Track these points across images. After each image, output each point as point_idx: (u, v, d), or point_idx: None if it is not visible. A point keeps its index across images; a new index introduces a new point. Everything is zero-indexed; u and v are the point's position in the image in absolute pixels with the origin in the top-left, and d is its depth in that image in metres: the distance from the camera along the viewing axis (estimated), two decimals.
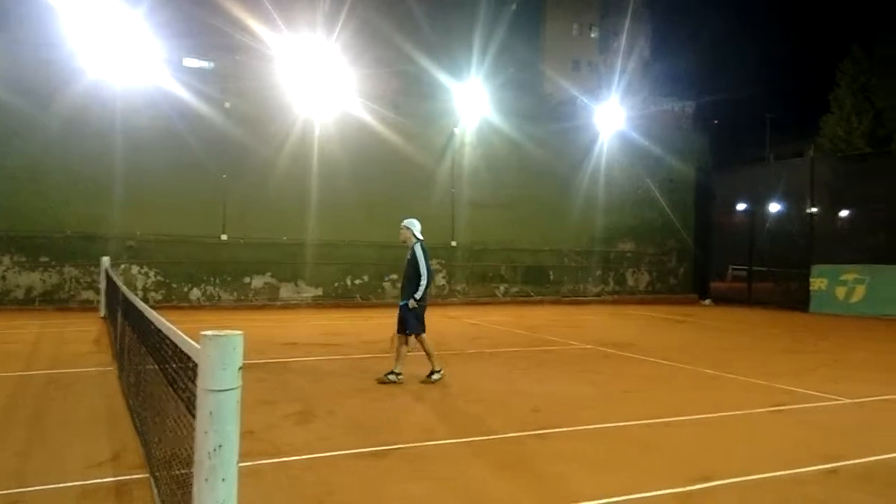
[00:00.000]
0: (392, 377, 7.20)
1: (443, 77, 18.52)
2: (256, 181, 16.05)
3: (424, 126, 17.96)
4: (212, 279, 15.99)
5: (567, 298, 19.74)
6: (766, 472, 4.48)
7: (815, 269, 17.62)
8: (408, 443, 4.99)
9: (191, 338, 2.41)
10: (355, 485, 4.17)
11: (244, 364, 2.04)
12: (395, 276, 17.65)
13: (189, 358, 2.28)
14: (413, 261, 7.42)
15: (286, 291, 16.71)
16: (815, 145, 23.27)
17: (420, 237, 7.56)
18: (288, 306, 16.33)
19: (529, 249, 19.42)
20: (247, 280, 16.31)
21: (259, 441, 4.93)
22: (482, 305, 17.87)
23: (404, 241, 7.60)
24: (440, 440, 5.11)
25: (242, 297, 16.25)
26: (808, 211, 18.76)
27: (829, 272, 17.33)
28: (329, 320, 13.76)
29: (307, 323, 13.39)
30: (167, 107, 15.14)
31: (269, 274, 16.51)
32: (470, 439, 5.16)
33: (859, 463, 4.75)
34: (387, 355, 8.16)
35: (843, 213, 20.09)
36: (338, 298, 17.03)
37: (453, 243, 18.34)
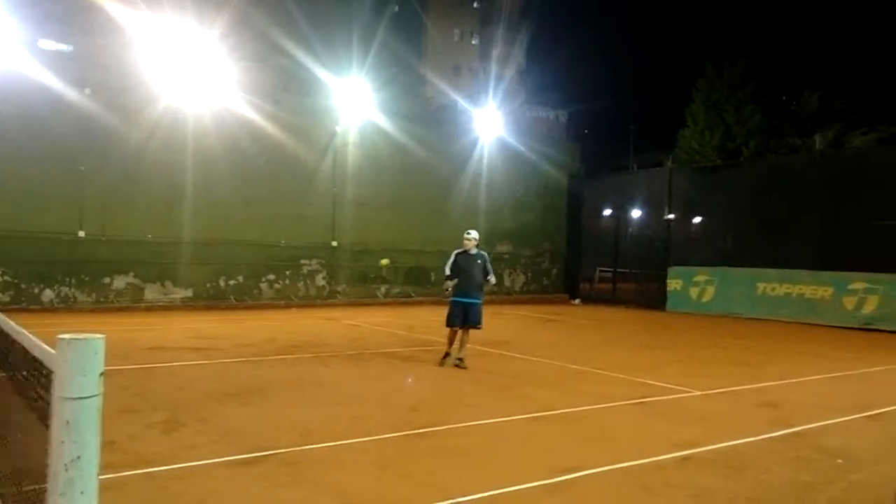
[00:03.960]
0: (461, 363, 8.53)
1: (324, 74, 18.19)
2: (120, 175, 14.97)
3: (305, 123, 17.56)
4: (67, 279, 14.74)
5: (447, 299, 20.03)
6: (628, 461, 4.79)
7: (672, 270, 19.05)
8: (284, 448, 4.87)
9: (44, 342, 2.22)
10: (228, 493, 4.02)
11: (105, 370, 1.91)
12: (272, 277, 17.14)
13: (43, 364, 2.09)
14: (484, 265, 8.93)
15: (152, 293, 15.73)
16: (673, 156, 25.11)
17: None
18: (154, 309, 15.37)
19: (411, 250, 19.53)
20: (107, 280, 15.18)
21: (122, 452, 4.62)
22: (363, 306, 17.76)
23: (471, 248, 9.01)
24: (317, 444, 5.03)
25: (102, 299, 15.11)
26: (665, 217, 20.24)
27: (684, 274, 18.80)
28: (200, 323, 13.12)
29: (175, 326, 12.69)
30: (20, 91, 13.78)
31: (132, 274, 15.46)
32: (347, 441, 5.12)
33: (710, 449, 5.20)
34: (274, 357, 7.90)
35: (697, 220, 21.88)
36: (210, 300, 16.25)
37: (334, 243, 18.07)
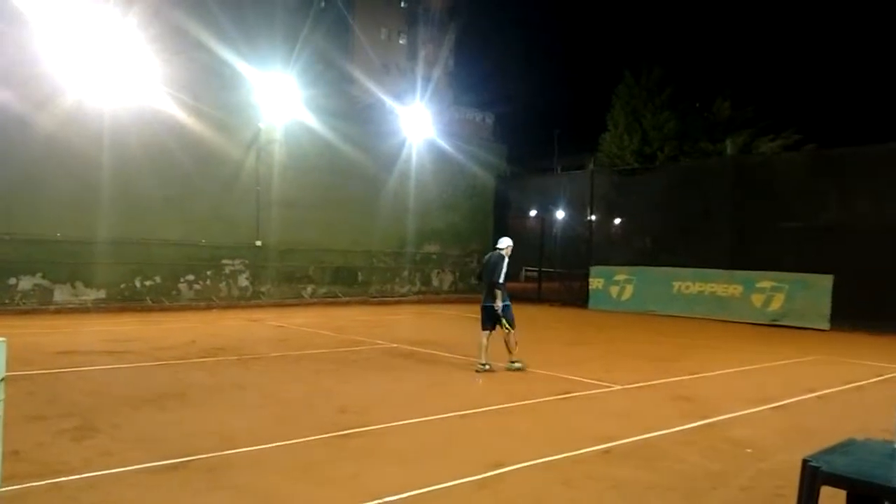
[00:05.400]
0: (518, 364, 8.52)
1: (246, 70, 17.66)
2: (26, 171, 14.06)
3: (228, 120, 17.03)
4: None
5: (375, 299, 19.94)
6: (552, 455, 4.90)
7: (593, 270, 19.62)
8: (205, 453, 4.72)
9: None
10: (145, 502, 3.86)
11: (7, 376, 1.79)
12: (191, 277, 16.56)
13: None
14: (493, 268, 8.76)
15: (62, 294, 14.88)
16: (595, 160, 25.91)
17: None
18: (64, 311, 14.54)
19: (338, 250, 19.31)
20: (11, 281, 14.25)
21: (27, 461, 4.36)
22: (289, 307, 17.41)
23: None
24: (240, 448, 4.90)
25: (7, 301, 14.17)
26: (588, 218, 20.84)
27: (605, 273, 19.40)
28: (114, 326, 12.52)
29: (88, 329, 12.07)
30: None
31: (39, 274, 14.58)
32: (272, 445, 5.01)
33: (629, 442, 5.40)
34: (194, 360, 7.62)
35: (617, 221, 22.64)
36: (125, 301, 15.53)
37: (258, 243, 17.62)
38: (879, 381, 8.71)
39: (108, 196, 14.96)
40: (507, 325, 8.54)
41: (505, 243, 9.02)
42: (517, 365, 8.56)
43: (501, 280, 8.59)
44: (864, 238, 15.07)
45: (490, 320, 8.63)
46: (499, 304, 8.51)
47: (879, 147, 15.34)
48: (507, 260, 8.78)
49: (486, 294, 8.75)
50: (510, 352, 8.58)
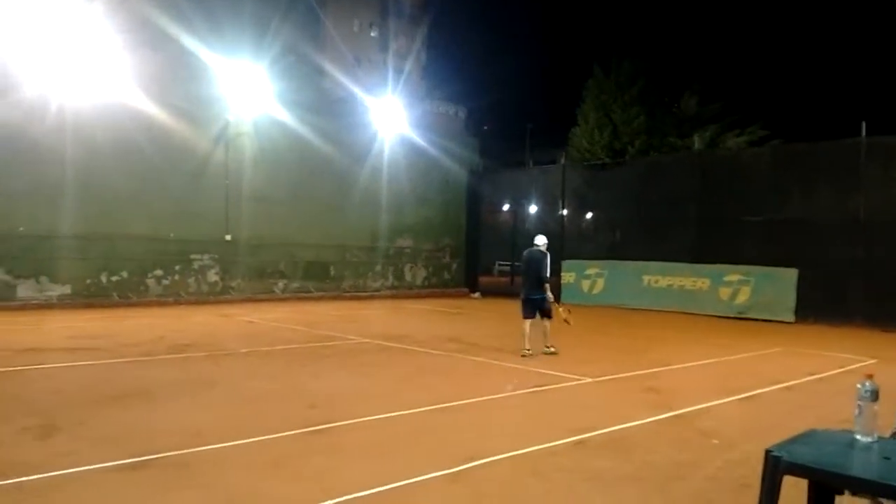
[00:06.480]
0: (552, 349, 9.37)
1: (214, 62, 17.36)
2: None
3: (196, 113, 16.73)
4: None
5: (348, 294, 19.84)
6: (525, 448, 4.93)
7: (565, 264, 19.74)
8: (171, 451, 4.65)
9: None
10: (109, 500, 3.79)
11: None
12: (159, 272, 16.29)
13: None
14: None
15: (26, 290, 14.52)
16: (566, 154, 26.06)
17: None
18: (28, 308, 14.19)
19: (311, 244, 19.15)
20: None
21: None
22: (260, 302, 17.23)
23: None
24: (208, 445, 4.83)
25: None
26: (560, 212, 20.98)
27: (576, 267, 19.55)
28: (79, 322, 12.26)
29: (52, 326, 11.80)
30: None
31: (2, 270, 14.21)
32: (241, 441, 4.95)
33: (600, 434, 5.45)
34: (162, 357, 7.49)
35: (589, 215, 22.83)
36: (91, 297, 15.21)
37: (228, 237, 17.38)
38: (842, 372, 8.93)
39: (74, 189, 14.63)
40: (560, 311, 9.66)
41: (542, 241, 9.71)
42: (552, 350, 9.38)
43: (548, 274, 9.52)
44: (826, 232, 15.44)
45: (532, 310, 9.43)
46: (550, 295, 9.50)
47: (840, 142, 15.68)
48: (548, 256, 9.59)
49: (528, 287, 9.53)
50: (546, 337, 9.44)
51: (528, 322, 9.40)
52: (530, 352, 9.21)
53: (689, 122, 27.52)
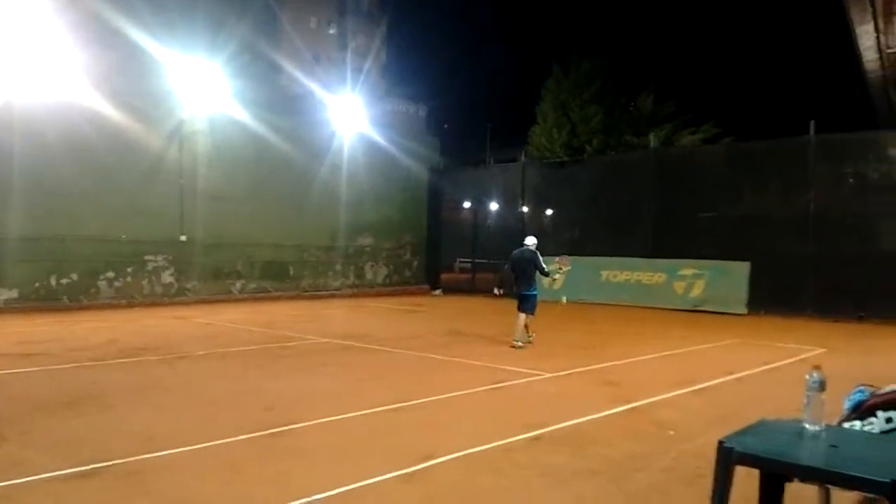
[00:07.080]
0: (530, 338, 10.20)
1: (167, 58, 16.92)
2: None
3: (149, 110, 16.27)
4: None
5: (308, 293, 19.60)
6: (482, 445, 4.94)
7: None
8: (123, 458, 4.51)
9: None
10: None
11: None
12: (111, 274, 15.83)
13: None
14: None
15: None
16: (526, 152, 26.19)
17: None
18: None
19: (269, 244, 18.85)
20: None
21: None
22: (217, 304, 16.89)
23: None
24: (161, 451, 4.71)
25: None
26: (520, 209, 21.10)
27: None
28: (27, 327, 11.83)
29: None
30: None
31: None
32: (195, 447, 4.84)
33: (558, 428, 5.49)
34: (114, 361, 7.27)
35: (548, 212, 23.02)
36: (39, 301, 14.69)
37: (183, 237, 16.98)
38: (793, 361, 9.20)
39: (20, 189, 14.09)
40: (557, 261, 11.04)
41: (532, 241, 10.67)
42: (529, 340, 10.16)
43: (546, 269, 10.55)
44: (777, 227, 15.92)
45: (527, 304, 10.16)
46: (555, 275, 10.86)
47: (790, 140, 16.16)
48: (539, 254, 10.50)
49: (521, 284, 10.32)
50: (527, 330, 10.15)
51: (521, 316, 10.06)
52: (531, 338, 10.14)
53: (645, 121, 27.94)
